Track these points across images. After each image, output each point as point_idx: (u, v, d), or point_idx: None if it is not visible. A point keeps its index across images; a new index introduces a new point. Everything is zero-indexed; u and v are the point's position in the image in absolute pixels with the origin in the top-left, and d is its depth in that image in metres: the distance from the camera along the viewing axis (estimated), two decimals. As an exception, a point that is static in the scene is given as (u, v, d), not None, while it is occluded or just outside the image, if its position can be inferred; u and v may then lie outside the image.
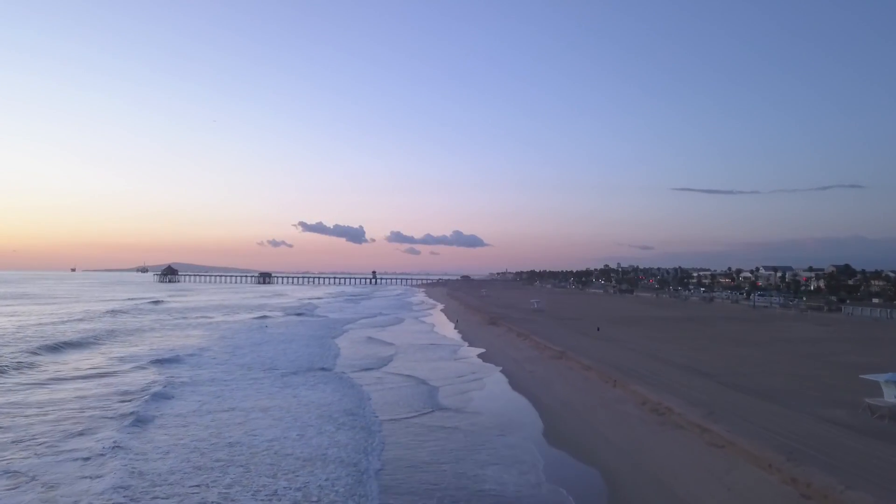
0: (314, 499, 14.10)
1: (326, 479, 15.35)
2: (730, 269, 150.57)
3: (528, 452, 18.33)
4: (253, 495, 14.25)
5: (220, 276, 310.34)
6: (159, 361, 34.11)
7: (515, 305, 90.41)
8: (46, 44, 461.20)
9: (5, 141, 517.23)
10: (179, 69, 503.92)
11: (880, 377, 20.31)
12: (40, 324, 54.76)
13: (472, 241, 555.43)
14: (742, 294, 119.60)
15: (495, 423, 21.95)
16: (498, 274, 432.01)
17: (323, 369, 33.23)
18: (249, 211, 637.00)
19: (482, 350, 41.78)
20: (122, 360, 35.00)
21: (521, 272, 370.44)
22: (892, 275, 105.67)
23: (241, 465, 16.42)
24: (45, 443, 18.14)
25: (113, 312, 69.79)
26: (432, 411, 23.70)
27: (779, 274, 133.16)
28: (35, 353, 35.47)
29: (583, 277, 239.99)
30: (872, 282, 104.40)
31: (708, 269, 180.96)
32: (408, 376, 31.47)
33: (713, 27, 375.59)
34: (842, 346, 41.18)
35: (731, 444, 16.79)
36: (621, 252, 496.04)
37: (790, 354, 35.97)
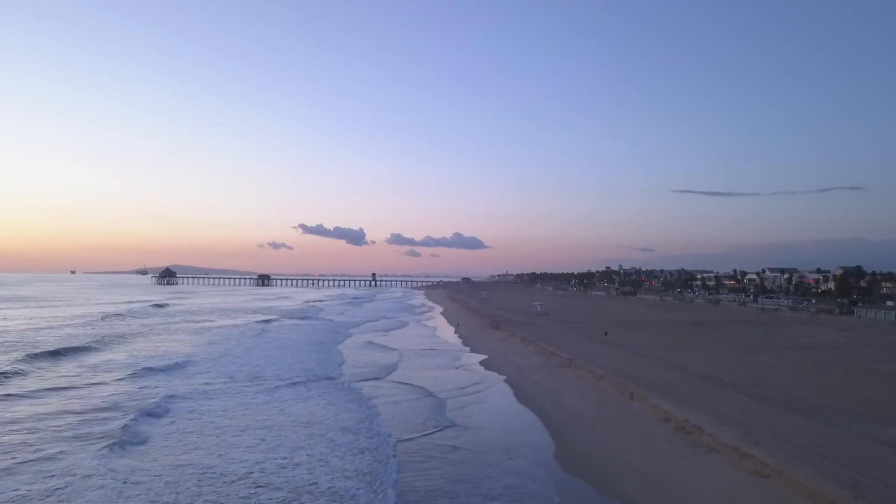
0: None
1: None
2: (735, 271, 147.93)
3: (540, 482, 15.84)
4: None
5: (219, 278, 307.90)
6: (150, 370, 31.58)
7: (517, 308, 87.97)
8: (46, 46, 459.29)
9: (5, 142, 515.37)
10: (179, 71, 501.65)
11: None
12: (28, 329, 52.31)
13: (473, 243, 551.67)
14: (748, 296, 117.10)
15: (501, 443, 19.49)
16: (498, 276, 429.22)
17: (329, 378, 30.83)
18: (250, 213, 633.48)
19: (484, 357, 39.29)
20: (109, 369, 32.40)
21: (522, 274, 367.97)
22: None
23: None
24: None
25: (104, 316, 67.22)
26: (442, 429, 21.16)
27: (785, 276, 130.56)
28: (23, 361, 32.71)
29: (584, 279, 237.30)
30: (883, 284, 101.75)
31: (711, 271, 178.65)
32: (413, 386, 29.09)
33: (713, 28, 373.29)
34: (867, 351, 38.74)
35: (778, 474, 14.34)
36: (622, 254, 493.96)
37: (815, 362, 33.51)
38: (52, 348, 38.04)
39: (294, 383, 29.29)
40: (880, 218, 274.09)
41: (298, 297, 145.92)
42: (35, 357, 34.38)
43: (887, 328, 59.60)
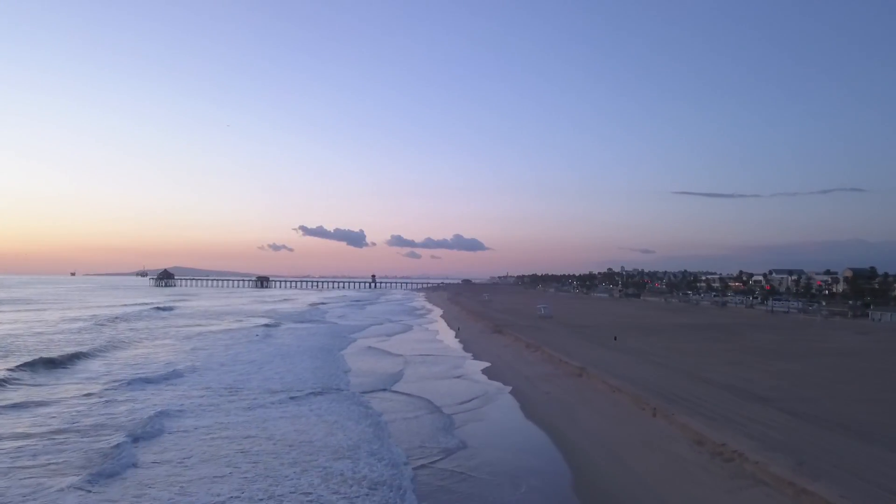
0: None
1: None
2: (740, 272, 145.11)
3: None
4: None
5: (217, 280, 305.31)
6: (140, 382, 28.80)
7: (520, 311, 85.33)
8: (46, 47, 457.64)
9: (5, 144, 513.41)
10: (180, 74, 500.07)
11: None
12: (9, 335, 49.70)
13: (473, 245, 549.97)
14: (756, 298, 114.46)
15: (510, 470, 16.86)
16: (499, 278, 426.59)
17: (337, 389, 28.12)
18: (250, 215, 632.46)
19: (487, 364, 36.63)
20: (94, 379, 29.74)
21: (523, 276, 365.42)
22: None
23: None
24: None
25: (95, 320, 64.58)
26: (449, 455, 18.38)
27: (793, 277, 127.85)
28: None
29: (586, 281, 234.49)
30: (895, 285, 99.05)
31: (714, 273, 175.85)
32: (419, 399, 26.56)
33: (714, 30, 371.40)
34: (898, 358, 36.10)
35: (853, 520, 11.73)
36: (622, 256, 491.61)
37: (848, 371, 30.87)
38: (29, 358, 35.08)
39: (303, 395, 26.61)
40: (881, 219, 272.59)
41: (301, 299, 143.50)
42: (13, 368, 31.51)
43: (908, 332, 56.88)
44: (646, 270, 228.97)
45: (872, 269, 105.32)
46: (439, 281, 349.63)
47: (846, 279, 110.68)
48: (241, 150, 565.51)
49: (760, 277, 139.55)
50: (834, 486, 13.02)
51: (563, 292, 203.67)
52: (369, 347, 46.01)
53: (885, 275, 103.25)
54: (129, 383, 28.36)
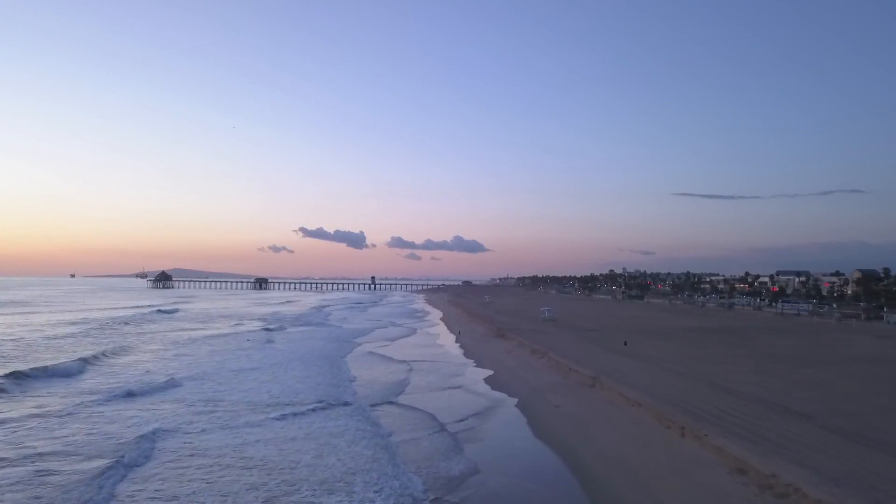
0: None
1: None
2: (747, 273, 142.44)
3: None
4: None
5: (215, 281, 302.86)
6: (131, 395, 26.27)
7: (522, 313, 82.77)
8: (45, 48, 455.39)
9: (5, 146, 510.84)
10: (180, 76, 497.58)
11: None
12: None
13: (473, 247, 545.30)
14: (764, 300, 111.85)
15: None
16: (499, 279, 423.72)
17: (346, 404, 25.51)
18: (250, 217, 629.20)
19: (490, 372, 34.11)
20: (81, 391, 27.25)
21: (524, 277, 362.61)
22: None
23: None
24: None
25: (85, 323, 62.09)
26: (459, 484, 15.94)
27: (800, 279, 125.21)
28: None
29: (588, 283, 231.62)
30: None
31: (717, 274, 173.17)
32: (423, 413, 24.22)
33: (713, 31, 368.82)
34: (933, 366, 33.54)
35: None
36: (622, 257, 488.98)
37: (880, 380, 28.32)
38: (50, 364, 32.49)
39: (311, 410, 24.19)
40: (881, 221, 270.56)
41: (303, 301, 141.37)
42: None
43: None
44: (648, 272, 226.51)
45: (886, 269, 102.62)
46: (440, 282, 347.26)
47: (856, 281, 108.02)
48: (242, 151, 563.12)
49: (767, 279, 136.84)
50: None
51: (565, 294, 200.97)
52: (377, 354, 43.30)
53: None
54: (107, 400, 25.37)
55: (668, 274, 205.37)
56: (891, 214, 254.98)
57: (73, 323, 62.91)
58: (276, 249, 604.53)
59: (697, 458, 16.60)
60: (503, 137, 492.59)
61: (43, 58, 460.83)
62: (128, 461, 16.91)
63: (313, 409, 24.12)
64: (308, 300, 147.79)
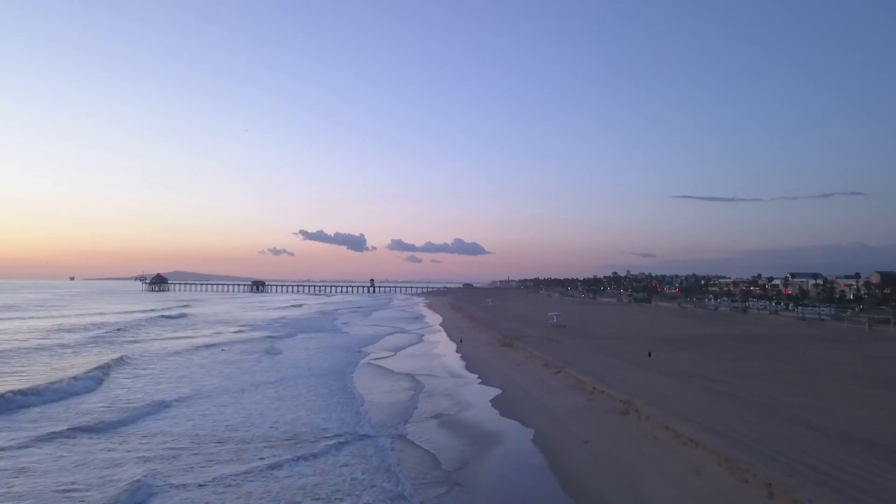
0: None
1: None
2: (759, 275, 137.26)
3: None
4: None
5: (212, 284, 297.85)
6: (90, 431, 20.68)
7: (528, 318, 77.58)
8: (45, 50, 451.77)
9: (5, 148, 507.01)
10: (180, 79, 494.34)
11: None
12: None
13: (474, 249, 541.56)
14: (780, 304, 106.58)
15: None
16: (500, 282, 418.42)
17: (364, 436, 20.59)
18: (250, 219, 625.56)
19: (497, 392, 28.98)
20: (49, 417, 22.23)
21: (526, 280, 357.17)
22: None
23: None
24: None
25: (60, 330, 56.89)
26: None
27: (815, 281, 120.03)
28: None
29: (592, 285, 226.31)
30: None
31: (724, 277, 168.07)
32: (425, 452, 19.16)
33: (714, 33, 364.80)
34: None
35: None
36: (623, 259, 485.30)
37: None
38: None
39: (326, 444, 19.41)
40: (881, 223, 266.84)
41: (306, 304, 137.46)
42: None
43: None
44: (653, 274, 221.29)
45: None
46: (441, 285, 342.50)
47: (877, 284, 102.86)
48: (242, 154, 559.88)
49: (779, 281, 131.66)
50: None
51: (569, 297, 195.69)
52: (384, 369, 37.95)
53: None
54: (72, 430, 20.30)
55: (675, 276, 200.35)
56: (891, 216, 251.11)
57: (52, 331, 57.75)
58: (276, 252, 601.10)
59: (809, 542, 11.45)
60: (503, 140, 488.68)
61: (43, 59, 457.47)
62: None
63: (334, 446, 19.26)
64: (313, 301, 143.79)
